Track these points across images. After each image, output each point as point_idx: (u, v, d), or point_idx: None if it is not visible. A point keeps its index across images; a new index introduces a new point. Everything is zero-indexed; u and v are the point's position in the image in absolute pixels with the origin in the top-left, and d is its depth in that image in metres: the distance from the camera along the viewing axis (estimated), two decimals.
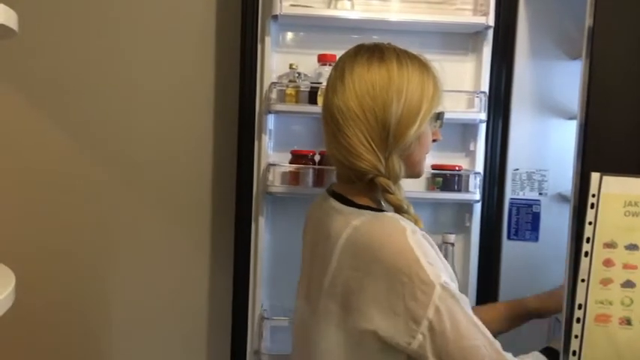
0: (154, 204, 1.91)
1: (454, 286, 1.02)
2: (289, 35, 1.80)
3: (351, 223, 1.06)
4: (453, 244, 1.76)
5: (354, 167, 1.09)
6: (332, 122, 1.10)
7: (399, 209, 1.10)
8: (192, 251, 1.93)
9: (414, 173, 1.17)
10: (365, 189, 1.13)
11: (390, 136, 1.07)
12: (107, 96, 1.87)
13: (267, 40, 1.69)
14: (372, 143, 1.07)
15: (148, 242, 1.92)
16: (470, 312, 1.03)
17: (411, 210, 1.12)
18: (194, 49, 1.89)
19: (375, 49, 1.13)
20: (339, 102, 1.09)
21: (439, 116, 1.17)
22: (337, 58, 1.67)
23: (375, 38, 1.77)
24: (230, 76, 1.78)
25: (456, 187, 1.76)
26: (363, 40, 1.77)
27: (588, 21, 1.19)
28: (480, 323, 1.03)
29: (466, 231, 1.81)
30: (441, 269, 1.01)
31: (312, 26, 1.78)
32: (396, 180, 1.11)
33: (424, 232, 1.06)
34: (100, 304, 1.91)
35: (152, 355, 1.93)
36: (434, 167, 1.79)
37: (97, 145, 1.89)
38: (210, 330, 1.94)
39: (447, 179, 1.76)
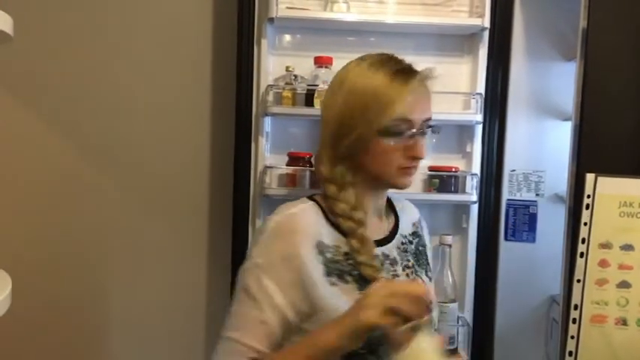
0: (151, 207, 1.91)
1: (263, 276, 1.00)
2: (285, 38, 1.80)
3: None
4: (450, 246, 1.76)
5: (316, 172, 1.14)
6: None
7: (342, 217, 1.06)
8: (190, 253, 1.93)
9: (387, 185, 1.11)
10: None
11: (335, 140, 1.08)
12: (104, 100, 1.87)
13: (264, 42, 1.69)
14: (328, 150, 1.09)
15: (146, 245, 1.91)
16: (256, 310, 1.00)
17: (360, 231, 1.05)
18: (190, 52, 1.89)
19: (369, 55, 1.13)
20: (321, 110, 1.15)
21: (394, 133, 1.04)
22: (333, 60, 1.71)
23: (372, 40, 1.79)
24: (227, 78, 1.78)
25: (452, 188, 1.76)
26: (359, 42, 1.80)
27: (582, 22, 1.20)
28: (253, 325, 1.00)
29: (463, 232, 1.81)
30: (264, 254, 1.02)
31: (309, 28, 1.78)
32: (341, 187, 1.08)
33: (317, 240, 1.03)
34: (98, 306, 1.91)
35: (150, 356, 1.93)
36: (430, 169, 1.79)
37: (94, 148, 1.89)
38: (208, 332, 1.94)
39: (444, 181, 1.76)
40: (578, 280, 1.10)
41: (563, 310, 1.13)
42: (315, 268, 1.02)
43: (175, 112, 1.90)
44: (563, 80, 1.68)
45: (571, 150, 1.28)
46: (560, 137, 1.69)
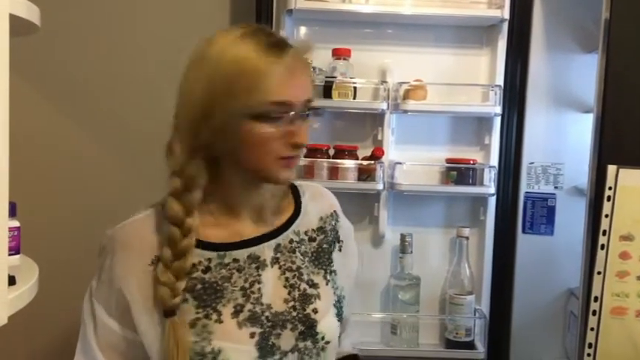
0: None
1: (95, 302, 0.92)
2: (303, 30, 1.81)
3: None
4: (467, 238, 1.76)
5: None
6: None
7: (170, 221, 0.90)
8: None
9: (264, 180, 0.93)
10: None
11: (194, 127, 0.90)
12: (124, 93, 1.89)
13: (282, 34, 1.69)
14: (182, 136, 0.91)
15: None
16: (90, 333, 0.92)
17: (183, 243, 0.89)
18: None
19: (237, 26, 0.93)
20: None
21: (271, 117, 0.87)
22: (351, 52, 1.71)
23: (389, 32, 1.80)
24: None
25: (470, 180, 1.76)
26: (376, 34, 1.80)
27: (605, 14, 1.19)
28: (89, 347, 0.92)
29: (481, 225, 1.81)
30: (95, 277, 0.93)
31: (327, 20, 1.78)
32: (189, 186, 0.90)
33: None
34: None
35: None
36: (448, 161, 1.79)
37: (119, 140, 1.91)
38: None
39: (462, 173, 1.76)
40: (599, 272, 1.10)
41: (583, 302, 1.13)
42: (142, 291, 0.89)
43: None
44: (583, 72, 1.67)
45: (592, 142, 1.27)
46: (580, 129, 1.68)
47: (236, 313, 0.90)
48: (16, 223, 1.04)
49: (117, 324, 0.90)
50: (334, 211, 1.05)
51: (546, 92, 1.72)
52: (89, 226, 1.90)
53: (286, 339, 0.91)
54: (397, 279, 1.78)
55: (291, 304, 0.93)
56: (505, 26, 1.72)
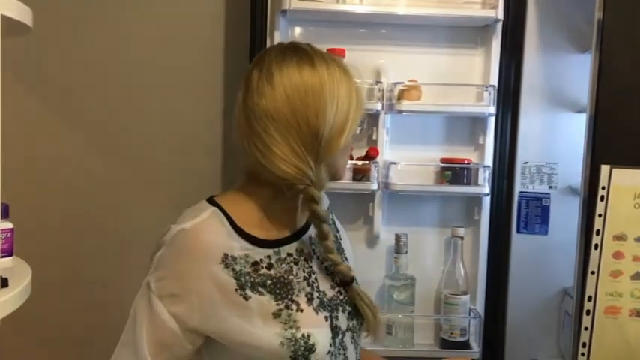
0: (167, 202, 1.91)
1: (155, 301, 0.95)
2: (298, 30, 1.80)
3: None
4: (462, 238, 1.77)
5: (283, 176, 0.99)
6: (258, 126, 1.00)
7: (319, 219, 1.02)
8: None
9: (333, 179, 1.08)
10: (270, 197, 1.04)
11: (322, 145, 0.99)
12: (118, 94, 1.88)
13: (276, 35, 1.69)
14: (303, 150, 0.99)
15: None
16: (148, 328, 0.95)
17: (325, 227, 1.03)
18: (203, 44, 1.89)
19: (303, 54, 1.05)
20: (267, 104, 0.99)
21: (361, 123, 1.13)
22: (346, 52, 1.71)
23: (384, 32, 1.80)
24: (239, 71, 1.78)
25: (465, 180, 1.76)
26: (371, 34, 1.80)
27: (598, 14, 1.19)
28: (142, 342, 0.95)
29: (475, 224, 1.81)
30: (158, 275, 0.96)
31: (321, 21, 1.78)
32: (322, 190, 1.03)
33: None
34: (114, 301, 1.92)
35: None
36: (443, 161, 1.79)
37: (111, 142, 1.90)
38: None
39: (456, 173, 1.76)
40: (592, 272, 1.11)
41: (577, 302, 1.13)
42: (220, 288, 0.94)
43: (189, 105, 1.90)
44: (577, 72, 1.67)
45: (585, 141, 1.28)
46: (573, 129, 1.69)
47: (309, 300, 0.99)
48: (9, 225, 1.04)
49: (178, 325, 0.94)
50: (329, 204, 1.19)
51: (540, 92, 1.72)
52: (83, 228, 1.91)
53: (342, 320, 1.03)
54: (392, 279, 1.78)
55: (337, 289, 1.06)
56: (499, 26, 1.72)
